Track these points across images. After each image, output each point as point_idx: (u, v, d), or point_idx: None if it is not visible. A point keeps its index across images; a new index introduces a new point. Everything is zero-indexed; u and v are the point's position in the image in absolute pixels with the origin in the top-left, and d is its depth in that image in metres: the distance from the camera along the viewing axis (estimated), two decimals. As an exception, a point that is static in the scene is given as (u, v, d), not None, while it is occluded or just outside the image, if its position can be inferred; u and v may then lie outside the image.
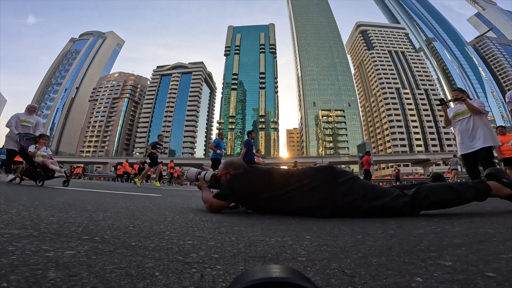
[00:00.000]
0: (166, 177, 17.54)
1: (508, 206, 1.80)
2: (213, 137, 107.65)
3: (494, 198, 1.60)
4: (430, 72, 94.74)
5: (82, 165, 34.35)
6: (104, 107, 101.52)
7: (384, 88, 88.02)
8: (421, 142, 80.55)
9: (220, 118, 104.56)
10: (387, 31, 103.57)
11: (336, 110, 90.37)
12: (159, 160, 8.15)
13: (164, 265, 0.62)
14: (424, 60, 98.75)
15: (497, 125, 5.63)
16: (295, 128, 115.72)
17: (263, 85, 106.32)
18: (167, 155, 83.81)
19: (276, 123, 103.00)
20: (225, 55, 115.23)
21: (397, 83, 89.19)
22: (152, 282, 0.51)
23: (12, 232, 0.90)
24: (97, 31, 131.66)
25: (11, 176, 4.86)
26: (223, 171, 1.83)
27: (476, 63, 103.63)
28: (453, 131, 3.56)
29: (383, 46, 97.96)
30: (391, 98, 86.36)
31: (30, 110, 5.25)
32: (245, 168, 1.76)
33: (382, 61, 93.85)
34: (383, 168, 79.96)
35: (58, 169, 4.53)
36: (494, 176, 1.61)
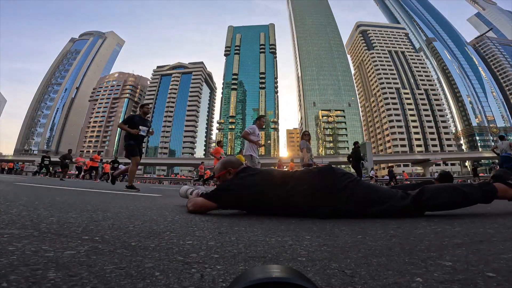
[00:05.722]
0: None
1: (508, 206, 1.80)
2: (213, 137, 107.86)
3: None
4: (430, 72, 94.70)
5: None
6: (104, 107, 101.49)
7: (384, 88, 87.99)
8: (421, 142, 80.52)
9: (220, 118, 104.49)
10: (387, 31, 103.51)
11: (336, 110, 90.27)
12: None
13: (164, 265, 0.62)
14: (424, 60, 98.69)
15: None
16: (295, 128, 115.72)
17: (263, 85, 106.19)
18: (166, 152, 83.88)
19: (276, 123, 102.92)
20: (225, 55, 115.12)
21: (397, 83, 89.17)
22: (152, 282, 0.51)
23: (12, 232, 0.90)
24: (97, 31, 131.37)
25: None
26: (222, 171, 1.72)
27: (476, 63, 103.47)
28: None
29: (383, 46, 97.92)
30: (391, 98, 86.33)
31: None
32: (244, 168, 1.73)
33: (382, 61, 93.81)
34: (383, 168, 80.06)
35: None
36: (500, 178, 1.53)
